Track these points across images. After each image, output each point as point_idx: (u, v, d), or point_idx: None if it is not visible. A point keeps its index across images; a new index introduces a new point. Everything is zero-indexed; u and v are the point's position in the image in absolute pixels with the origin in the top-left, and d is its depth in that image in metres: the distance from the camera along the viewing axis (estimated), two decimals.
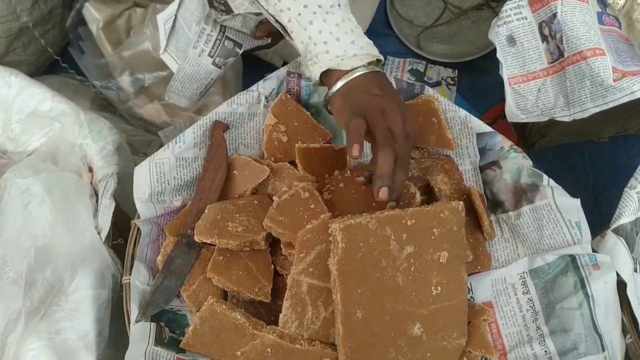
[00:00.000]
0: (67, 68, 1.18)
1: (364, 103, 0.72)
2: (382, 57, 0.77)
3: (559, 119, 0.87)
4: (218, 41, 0.90)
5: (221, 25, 0.89)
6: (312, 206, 0.77)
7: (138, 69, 1.11)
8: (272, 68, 1.22)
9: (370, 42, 0.77)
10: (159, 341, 0.75)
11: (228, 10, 0.85)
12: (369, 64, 0.75)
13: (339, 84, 0.74)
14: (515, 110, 0.89)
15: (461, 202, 0.77)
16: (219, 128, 0.84)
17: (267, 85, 0.88)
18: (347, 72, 0.74)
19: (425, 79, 1.22)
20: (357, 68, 0.73)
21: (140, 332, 0.74)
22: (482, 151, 0.88)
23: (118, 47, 1.10)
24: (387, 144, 0.70)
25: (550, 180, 0.82)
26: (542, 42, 0.86)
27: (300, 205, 0.77)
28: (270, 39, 0.93)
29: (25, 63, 1.14)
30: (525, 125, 1.17)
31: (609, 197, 1.13)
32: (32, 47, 1.13)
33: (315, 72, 0.75)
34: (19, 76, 0.87)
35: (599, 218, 0.84)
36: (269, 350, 0.73)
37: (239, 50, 0.92)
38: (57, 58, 1.18)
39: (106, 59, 1.11)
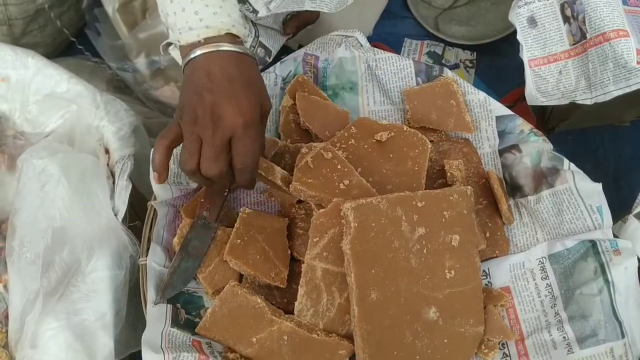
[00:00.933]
0: (84, 50, 1.17)
1: (190, 102, 0.67)
2: (241, 33, 0.69)
3: (580, 102, 0.86)
4: (252, 48, 0.87)
5: (255, 30, 0.87)
6: (339, 166, 0.77)
7: (154, 50, 1.10)
8: (288, 50, 1.22)
9: (228, 12, 0.68)
10: (175, 322, 0.75)
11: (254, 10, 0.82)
12: (217, 40, 0.67)
13: (182, 66, 0.68)
14: (535, 93, 0.87)
15: (470, 187, 0.78)
16: None
17: (284, 66, 0.88)
18: (188, 50, 0.67)
19: (443, 61, 1.20)
20: (195, 47, 0.66)
21: (157, 314, 0.74)
22: (502, 134, 0.87)
23: (134, 29, 1.10)
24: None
25: (571, 164, 0.81)
26: (564, 24, 0.85)
27: (327, 166, 0.77)
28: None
29: (42, 45, 1.13)
30: (545, 109, 1.15)
31: (630, 181, 1.12)
32: (48, 28, 1.13)
33: (164, 50, 0.70)
34: (35, 57, 0.87)
35: (620, 202, 0.82)
36: (286, 338, 0.73)
37: (268, 59, 0.91)
38: (74, 40, 1.18)
39: (122, 41, 1.10)
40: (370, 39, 0.94)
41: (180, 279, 0.77)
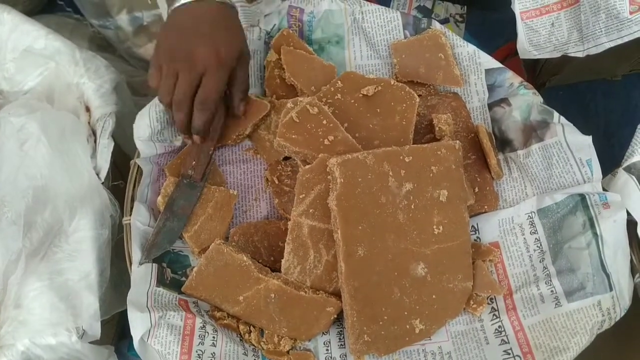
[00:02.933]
0: (64, 6, 1.14)
1: (171, 41, 0.72)
2: None
3: (572, 54, 0.84)
4: None
5: None
6: (325, 121, 0.75)
7: (136, 6, 1.07)
8: None
9: None
10: (160, 282, 0.74)
11: None
12: None
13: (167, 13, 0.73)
14: (527, 46, 0.85)
15: (458, 142, 0.77)
16: None
17: (268, 20, 0.86)
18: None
19: (433, 16, 1.18)
20: None
21: (142, 273, 0.73)
22: (491, 88, 0.85)
23: None
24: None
25: (561, 117, 0.80)
26: None
27: (312, 121, 0.75)
28: None
29: (21, 2, 1.10)
30: (536, 64, 1.13)
31: (621, 137, 1.11)
32: None
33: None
34: (11, 13, 0.84)
35: (611, 158, 0.81)
36: (273, 295, 0.72)
37: None
38: None
39: None
40: None
41: (166, 239, 0.76)
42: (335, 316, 0.74)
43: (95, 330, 0.72)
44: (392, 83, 0.80)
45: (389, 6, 1.18)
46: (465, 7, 1.19)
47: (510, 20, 0.86)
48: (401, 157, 0.73)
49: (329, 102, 0.78)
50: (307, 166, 0.74)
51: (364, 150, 0.73)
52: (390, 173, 0.72)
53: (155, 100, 0.80)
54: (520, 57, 0.87)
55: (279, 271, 0.75)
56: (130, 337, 0.69)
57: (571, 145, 0.77)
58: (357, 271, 0.71)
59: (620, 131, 1.13)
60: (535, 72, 1.14)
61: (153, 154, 0.80)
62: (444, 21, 1.18)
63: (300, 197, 0.74)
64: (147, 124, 0.79)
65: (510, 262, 0.78)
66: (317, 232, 0.74)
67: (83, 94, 0.82)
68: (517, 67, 1.13)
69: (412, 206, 0.73)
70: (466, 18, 1.19)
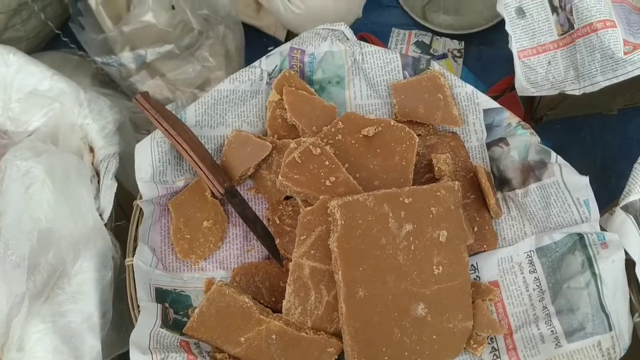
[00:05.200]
0: (69, 43, 1.16)
1: None
2: None
3: (569, 92, 0.85)
4: None
5: None
6: (327, 162, 0.76)
7: (139, 44, 1.09)
8: (275, 41, 1.21)
9: None
10: (164, 323, 0.75)
11: None
12: None
13: None
14: (525, 83, 0.87)
15: (457, 182, 0.78)
16: (146, 98, 0.82)
17: (269, 61, 0.87)
18: None
19: (431, 51, 1.19)
20: None
21: (147, 314, 0.74)
22: (489, 128, 0.86)
23: (118, 23, 1.08)
24: None
25: (559, 157, 0.80)
26: (552, 14, 0.84)
27: (314, 161, 0.76)
28: None
29: (25, 39, 1.12)
30: (533, 99, 1.15)
31: (618, 170, 1.12)
32: (31, 22, 1.11)
33: None
34: (17, 54, 0.86)
35: (607, 191, 0.83)
36: (274, 337, 0.73)
37: None
38: (58, 32, 1.16)
39: (106, 35, 1.09)
40: (357, 29, 0.93)
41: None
42: (337, 357, 0.75)
43: None
44: (392, 124, 0.81)
45: (387, 41, 1.20)
46: (463, 42, 1.21)
47: (507, 56, 0.87)
48: (401, 199, 0.74)
49: (330, 143, 0.79)
50: (309, 208, 0.74)
51: (365, 192, 0.74)
52: (390, 214, 0.73)
53: (156, 136, 0.80)
54: (518, 94, 0.89)
55: (280, 312, 0.75)
56: None
57: (569, 185, 0.78)
58: (357, 312, 0.72)
59: (616, 164, 1.14)
60: (533, 107, 1.15)
61: (155, 195, 0.81)
62: (441, 56, 1.20)
63: (302, 238, 0.74)
64: (149, 163, 0.80)
65: (510, 302, 0.79)
66: (318, 273, 0.74)
67: (87, 134, 0.83)
68: (515, 101, 1.15)
69: (412, 247, 0.74)
70: (464, 53, 1.21)
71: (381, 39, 1.20)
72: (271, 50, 0.88)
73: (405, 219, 0.74)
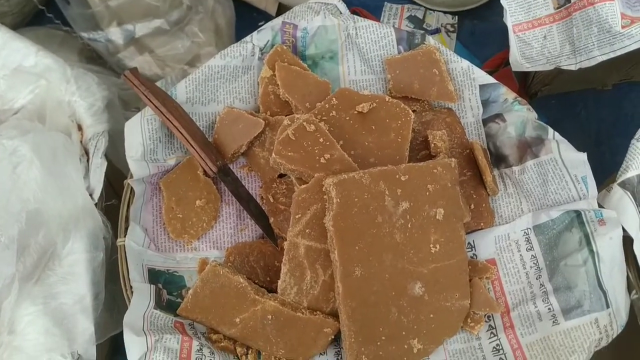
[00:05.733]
0: (53, 18, 1.12)
1: None
2: None
3: (565, 67, 0.84)
4: None
5: None
6: (321, 139, 0.74)
7: (127, 18, 1.06)
8: (266, 16, 1.18)
9: None
10: (158, 304, 0.74)
11: None
12: None
13: None
14: (520, 59, 0.85)
15: (454, 159, 0.76)
16: (135, 74, 0.79)
17: (261, 36, 0.85)
18: None
19: (424, 26, 1.17)
20: None
21: (140, 295, 0.73)
22: (485, 103, 0.85)
23: None
24: None
25: (556, 133, 0.79)
26: None
27: (308, 138, 0.74)
28: None
29: (9, 14, 1.09)
30: (527, 74, 1.13)
31: (612, 146, 1.11)
32: None
33: None
34: (1, 30, 0.83)
35: (602, 167, 0.81)
36: (270, 317, 0.72)
37: None
38: (42, 8, 1.13)
39: (93, 10, 1.06)
40: (349, 4, 0.91)
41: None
42: (333, 337, 0.74)
43: (91, 355, 0.71)
44: (387, 99, 0.80)
45: (380, 16, 1.18)
46: (457, 17, 1.19)
47: (501, 30, 0.86)
48: (397, 176, 0.73)
49: (324, 119, 0.78)
50: (303, 186, 0.73)
51: (360, 169, 0.73)
52: (387, 192, 0.72)
53: (146, 114, 0.79)
54: (513, 70, 0.87)
55: (276, 292, 0.74)
56: (124, 353, 0.68)
57: (566, 162, 0.77)
58: (354, 291, 0.71)
59: (611, 140, 1.13)
60: (527, 82, 1.14)
61: (146, 174, 0.79)
62: (435, 31, 1.18)
63: (297, 216, 0.73)
64: (139, 142, 0.78)
65: (507, 279, 0.78)
66: (313, 252, 0.73)
67: (75, 112, 0.81)
68: (509, 77, 1.13)
69: (409, 225, 0.73)
70: (457, 28, 1.19)
71: (374, 13, 1.18)
72: (262, 25, 0.86)
73: (401, 197, 0.73)
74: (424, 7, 1.19)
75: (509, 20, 0.85)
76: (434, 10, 1.19)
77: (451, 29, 1.18)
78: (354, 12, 0.96)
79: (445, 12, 1.19)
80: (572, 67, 0.84)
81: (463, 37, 1.19)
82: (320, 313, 0.74)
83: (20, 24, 1.14)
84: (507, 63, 0.88)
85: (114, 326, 0.75)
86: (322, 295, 0.74)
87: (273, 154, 0.74)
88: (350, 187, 0.71)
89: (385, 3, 1.20)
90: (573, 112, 1.16)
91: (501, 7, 0.84)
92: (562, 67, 0.84)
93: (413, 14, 1.18)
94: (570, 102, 1.17)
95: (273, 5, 1.19)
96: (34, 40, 0.84)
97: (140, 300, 0.72)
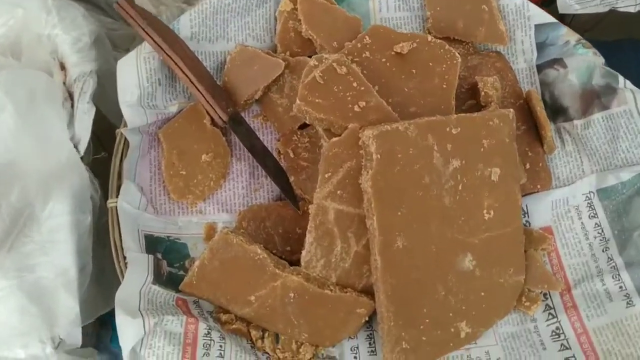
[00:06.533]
0: None
1: None
2: None
3: (622, 9, 0.73)
4: None
5: None
6: (355, 84, 0.62)
7: None
8: None
9: None
10: (157, 278, 0.62)
11: None
12: None
13: None
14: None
15: (512, 110, 0.65)
16: (130, 3, 0.66)
17: None
18: None
19: None
20: None
21: (135, 266, 0.61)
22: (541, 46, 0.73)
23: None
24: None
25: (627, 82, 0.68)
26: None
27: (339, 82, 0.62)
28: None
29: None
30: (563, 17, 1.02)
31: None
32: None
33: None
34: None
35: None
36: (292, 295, 0.60)
37: None
38: None
39: None
40: None
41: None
42: (367, 319, 0.63)
43: (76, 338, 0.60)
44: (430, 39, 0.67)
45: None
46: None
47: None
48: (448, 129, 0.61)
49: (356, 61, 0.65)
50: (335, 139, 0.61)
51: (402, 120, 0.61)
52: (435, 147, 0.60)
53: (142, 51, 0.66)
54: (560, 12, 0.75)
55: (298, 264, 0.63)
56: (116, 338, 0.57)
57: None
58: (395, 266, 0.59)
59: None
60: None
61: (143, 123, 0.67)
62: None
63: (326, 175, 0.61)
64: (135, 84, 0.66)
65: (566, 251, 0.67)
66: (345, 218, 0.61)
67: (57, 48, 0.68)
68: None
69: (460, 187, 0.61)
70: None
71: None
72: None
73: (452, 153, 0.61)
74: None
75: None
76: None
77: None
78: None
79: None
80: (632, 9, 0.74)
81: None
82: (351, 290, 0.62)
83: None
84: (543, 4, 0.76)
85: (104, 304, 0.64)
86: (354, 270, 0.62)
87: (297, 100, 0.61)
88: (393, 140, 0.59)
89: None
90: (611, 63, 1.05)
91: None
92: (618, 9, 0.74)
93: None
94: (609, 52, 1.06)
95: None
96: None
97: (136, 273, 0.61)
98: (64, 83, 0.67)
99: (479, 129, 0.62)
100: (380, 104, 0.62)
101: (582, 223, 0.67)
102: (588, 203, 0.68)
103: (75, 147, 0.63)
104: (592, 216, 0.67)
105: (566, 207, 0.68)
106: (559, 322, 0.64)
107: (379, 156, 0.58)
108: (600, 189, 0.67)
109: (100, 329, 0.77)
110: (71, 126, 0.64)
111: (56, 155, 0.61)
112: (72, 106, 0.66)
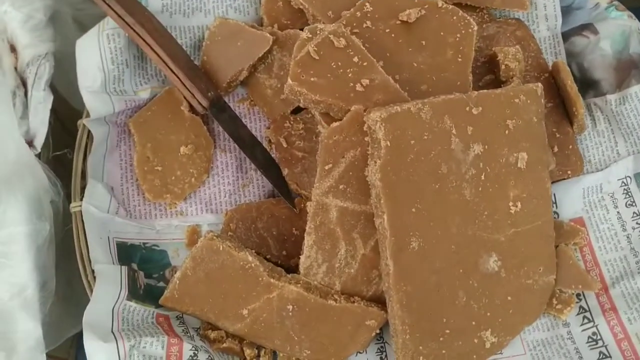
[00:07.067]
0: None
1: None
2: None
3: None
4: None
5: None
6: (356, 59, 0.54)
7: None
8: None
9: None
10: (132, 293, 0.54)
11: None
12: None
13: None
14: None
15: (540, 84, 0.57)
16: None
17: None
18: None
19: None
20: None
21: (106, 280, 0.53)
22: (566, 11, 0.66)
23: None
24: None
25: None
26: None
27: (337, 57, 0.54)
28: None
29: None
30: None
31: None
32: None
33: None
34: None
35: None
36: (290, 307, 0.53)
37: None
38: None
39: None
40: None
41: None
42: (378, 331, 0.55)
43: None
44: (440, 5, 0.58)
45: None
46: None
47: None
48: (467, 108, 0.52)
49: (356, 32, 0.57)
50: (335, 124, 0.53)
51: (414, 100, 0.52)
52: (454, 131, 0.52)
53: (105, 27, 0.58)
54: None
55: (296, 271, 0.55)
56: None
57: None
58: (410, 271, 0.51)
59: None
60: None
61: (109, 112, 0.58)
62: None
63: (326, 167, 0.53)
64: (98, 66, 0.58)
65: (600, 245, 0.60)
66: (349, 216, 0.54)
67: (6, 27, 0.59)
68: None
69: (482, 176, 0.53)
70: None
71: None
72: None
73: (473, 138, 0.52)
74: None
75: None
76: None
77: None
78: None
79: None
80: None
81: None
82: (359, 299, 0.54)
83: None
84: None
85: (73, 324, 0.56)
86: (361, 275, 0.55)
87: (289, 80, 0.53)
88: (404, 124, 0.50)
89: None
90: None
91: None
92: None
93: None
94: None
95: None
96: None
97: (107, 289, 0.53)
98: (16, 69, 0.59)
99: (503, 108, 0.54)
100: (387, 82, 0.54)
101: (618, 212, 0.61)
102: (624, 189, 0.61)
103: (30, 143, 0.55)
104: (629, 204, 0.61)
105: (599, 195, 0.62)
106: (596, 326, 0.58)
107: (388, 143, 0.50)
108: (639, 173, 0.61)
109: (78, 350, 0.70)
110: (25, 119, 0.55)
111: (5, 154, 0.52)
112: (26, 95, 0.57)
